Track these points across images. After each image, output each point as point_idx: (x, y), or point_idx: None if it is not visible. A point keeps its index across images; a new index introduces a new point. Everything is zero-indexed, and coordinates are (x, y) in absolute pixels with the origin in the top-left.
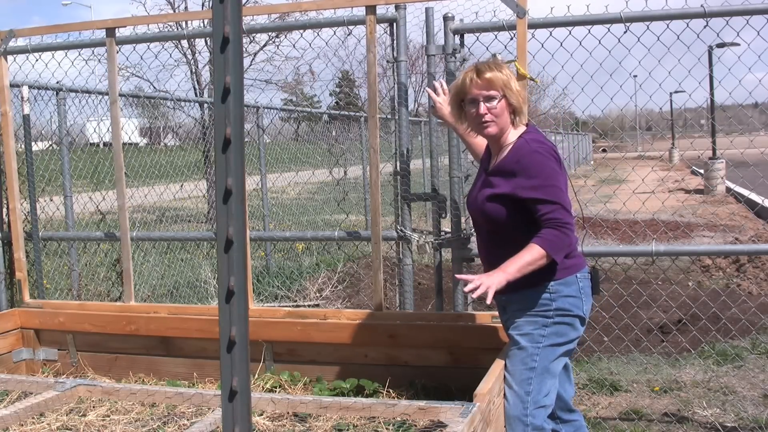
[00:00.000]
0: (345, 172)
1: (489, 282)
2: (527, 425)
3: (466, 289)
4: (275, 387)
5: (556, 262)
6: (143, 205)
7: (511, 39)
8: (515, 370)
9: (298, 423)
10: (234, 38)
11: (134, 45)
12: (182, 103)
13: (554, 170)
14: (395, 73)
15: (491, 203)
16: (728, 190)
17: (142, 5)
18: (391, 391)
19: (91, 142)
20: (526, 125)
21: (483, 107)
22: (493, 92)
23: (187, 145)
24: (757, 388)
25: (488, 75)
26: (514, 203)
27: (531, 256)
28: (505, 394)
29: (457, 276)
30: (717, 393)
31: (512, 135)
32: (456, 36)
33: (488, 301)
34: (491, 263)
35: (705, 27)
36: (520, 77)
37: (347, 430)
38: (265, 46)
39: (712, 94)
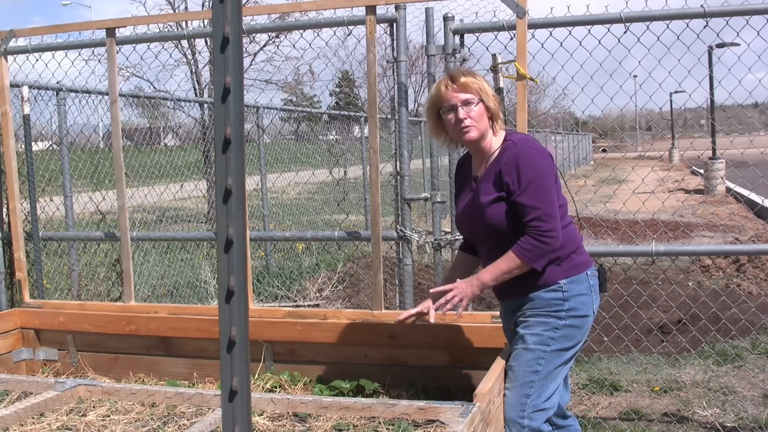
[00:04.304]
0: (345, 172)
1: (463, 293)
2: (524, 427)
3: (435, 306)
4: (275, 387)
5: (562, 260)
6: (143, 205)
7: (511, 39)
8: (519, 371)
9: (298, 423)
10: (234, 38)
11: (134, 45)
12: (182, 103)
13: (539, 170)
14: (395, 73)
15: (490, 209)
16: (728, 190)
17: (142, 5)
18: (391, 391)
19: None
20: (506, 130)
21: (462, 112)
22: (469, 96)
23: (187, 145)
24: (757, 388)
25: (463, 80)
26: (508, 206)
27: (507, 265)
28: (504, 393)
29: (432, 290)
30: (717, 393)
31: (495, 142)
32: (456, 36)
33: (459, 312)
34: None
35: (705, 27)
36: (520, 77)
37: (347, 430)
38: (265, 46)
39: (712, 94)
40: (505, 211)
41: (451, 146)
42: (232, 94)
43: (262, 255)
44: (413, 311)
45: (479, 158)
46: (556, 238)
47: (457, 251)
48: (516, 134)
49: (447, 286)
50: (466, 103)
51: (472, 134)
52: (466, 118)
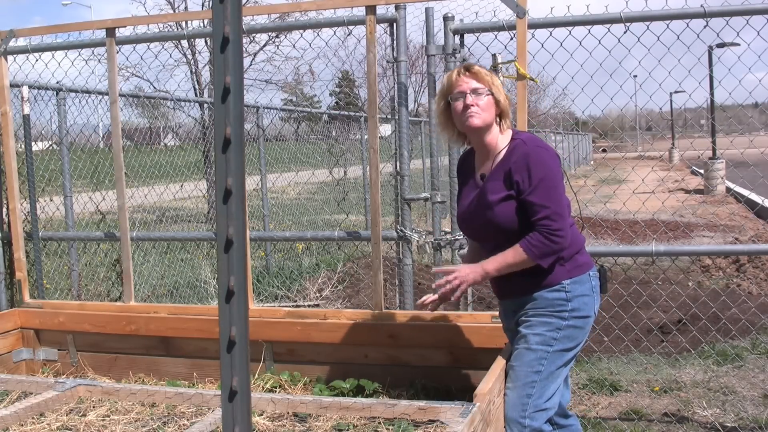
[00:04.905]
0: (345, 172)
1: (464, 277)
2: (525, 427)
3: (434, 285)
4: (275, 387)
5: (566, 260)
6: (143, 205)
7: (511, 39)
8: (521, 371)
9: (298, 423)
10: (234, 38)
11: (134, 45)
12: (182, 103)
13: (549, 170)
14: (395, 73)
15: (499, 208)
16: (728, 190)
17: (142, 5)
18: (391, 391)
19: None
20: (513, 129)
21: (469, 98)
22: (480, 85)
23: (187, 145)
24: (757, 388)
25: (476, 69)
26: (517, 205)
27: (513, 257)
28: (506, 392)
29: (435, 269)
30: (717, 393)
31: (502, 140)
32: (456, 36)
33: (455, 296)
34: (500, 276)
35: (705, 27)
36: (520, 77)
37: (347, 430)
38: (265, 46)
39: (712, 94)
40: (515, 209)
41: (458, 141)
42: (232, 94)
43: (262, 255)
44: (434, 296)
45: (483, 155)
46: (565, 238)
47: (468, 241)
48: (524, 133)
49: (450, 268)
50: (476, 91)
51: (476, 121)
52: (473, 105)
